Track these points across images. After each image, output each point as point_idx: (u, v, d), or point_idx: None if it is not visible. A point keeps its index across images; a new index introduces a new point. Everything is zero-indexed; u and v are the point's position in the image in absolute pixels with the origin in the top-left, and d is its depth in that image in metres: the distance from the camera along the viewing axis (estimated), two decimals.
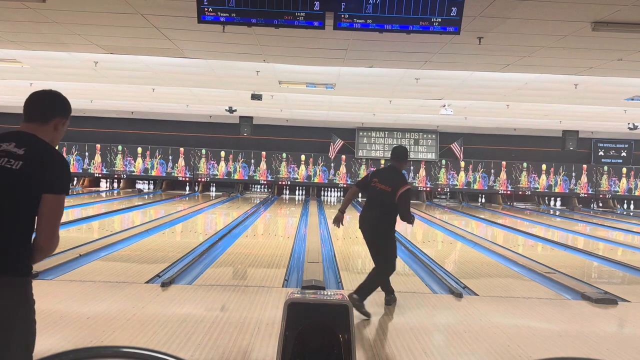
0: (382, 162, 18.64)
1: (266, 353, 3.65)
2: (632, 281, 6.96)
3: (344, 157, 18.93)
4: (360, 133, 18.96)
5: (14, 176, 2.01)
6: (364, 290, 4.68)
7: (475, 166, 19.16)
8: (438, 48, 7.39)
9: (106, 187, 19.44)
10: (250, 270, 6.64)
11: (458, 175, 19.16)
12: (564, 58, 7.78)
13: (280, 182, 18.95)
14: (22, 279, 2.05)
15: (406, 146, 18.73)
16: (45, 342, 3.55)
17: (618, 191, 19.39)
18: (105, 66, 9.81)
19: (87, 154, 18.65)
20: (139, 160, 18.73)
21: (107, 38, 7.65)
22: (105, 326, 4.06)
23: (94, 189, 18.86)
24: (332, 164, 18.92)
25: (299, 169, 18.88)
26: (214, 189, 19.36)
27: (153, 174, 18.80)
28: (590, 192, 19.29)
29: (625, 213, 18.49)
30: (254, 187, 19.63)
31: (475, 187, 19.22)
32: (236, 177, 18.89)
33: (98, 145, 18.62)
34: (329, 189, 19.31)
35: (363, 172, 18.45)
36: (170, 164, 18.76)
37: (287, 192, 19.48)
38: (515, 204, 19.17)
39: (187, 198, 17.18)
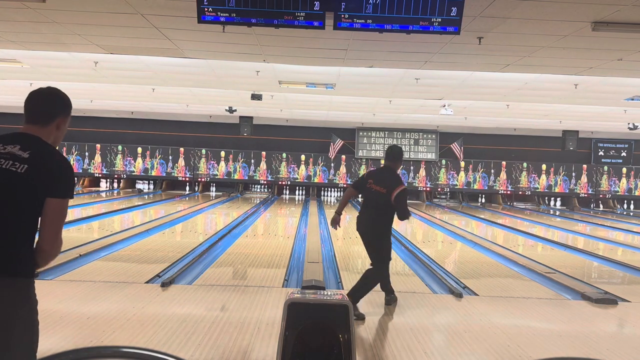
0: (382, 162, 18.60)
1: (266, 353, 3.65)
2: (632, 281, 6.96)
3: (344, 157, 18.93)
4: (360, 133, 18.96)
5: (19, 179, 2.01)
6: (357, 292, 4.65)
7: (475, 166, 19.16)
8: (438, 48, 7.39)
9: (106, 187, 19.44)
10: (250, 270, 6.64)
11: (458, 175, 19.16)
12: (564, 58, 7.77)
13: (280, 182, 18.95)
14: (24, 280, 2.05)
15: (406, 146, 18.80)
16: (45, 342, 3.53)
17: (618, 191, 19.39)
18: (105, 66, 9.81)
19: (87, 154, 18.65)
20: (139, 160, 18.73)
21: (107, 38, 7.65)
22: (105, 326, 4.06)
23: (94, 189, 18.86)
24: (332, 164, 18.92)
25: (299, 169, 18.89)
26: (214, 189, 19.36)
27: (153, 174, 18.80)
28: (590, 192, 19.30)
29: (625, 213, 18.49)
30: (254, 187, 19.63)
31: (475, 187, 19.22)
32: (236, 177, 18.90)
33: (98, 145, 18.62)
34: (329, 189, 19.31)
35: (363, 172, 18.40)
36: (170, 164, 18.77)
37: (287, 192, 19.48)
38: (515, 204, 19.17)
39: (187, 198, 17.18)
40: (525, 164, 19.14)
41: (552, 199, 19.93)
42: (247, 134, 17.84)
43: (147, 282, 5.54)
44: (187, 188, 19.21)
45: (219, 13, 5.39)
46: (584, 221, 14.84)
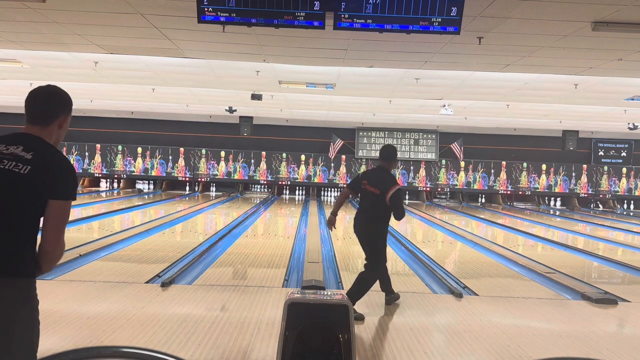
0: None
1: (266, 353, 3.66)
2: (632, 281, 6.96)
3: (344, 157, 18.93)
4: (360, 133, 18.96)
5: (22, 180, 2.01)
6: (353, 296, 4.62)
7: (475, 166, 19.16)
8: (438, 48, 7.39)
9: (106, 187, 19.44)
10: (250, 270, 6.64)
11: (458, 175, 19.16)
12: (564, 58, 7.78)
13: (280, 182, 18.95)
14: (25, 280, 2.05)
15: (406, 146, 18.79)
16: (45, 342, 3.53)
17: (618, 191, 19.39)
18: (105, 66, 9.81)
19: (87, 154, 18.65)
20: (139, 160, 18.73)
21: (107, 38, 7.65)
22: (105, 326, 4.06)
23: (94, 189, 18.86)
24: (332, 164, 18.92)
25: (299, 169, 18.89)
26: (214, 189, 19.36)
27: (153, 174, 18.80)
28: (590, 192, 19.30)
29: (625, 213, 18.49)
30: (254, 187, 19.63)
31: (475, 187, 19.22)
32: (236, 177, 18.90)
33: (98, 145, 18.62)
34: (329, 189, 19.31)
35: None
36: (170, 164, 18.77)
37: (287, 192, 19.48)
38: (515, 204, 19.17)
39: (187, 198, 17.18)
40: (525, 164, 19.14)
41: (552, 199, 19.94)
42: (247, 134, 17.84)
43: (147, 282, 5.54)
44: (187, 188, 19.21)
45: (219, 13, 5.39)
46: (584, 221, 14.84)
